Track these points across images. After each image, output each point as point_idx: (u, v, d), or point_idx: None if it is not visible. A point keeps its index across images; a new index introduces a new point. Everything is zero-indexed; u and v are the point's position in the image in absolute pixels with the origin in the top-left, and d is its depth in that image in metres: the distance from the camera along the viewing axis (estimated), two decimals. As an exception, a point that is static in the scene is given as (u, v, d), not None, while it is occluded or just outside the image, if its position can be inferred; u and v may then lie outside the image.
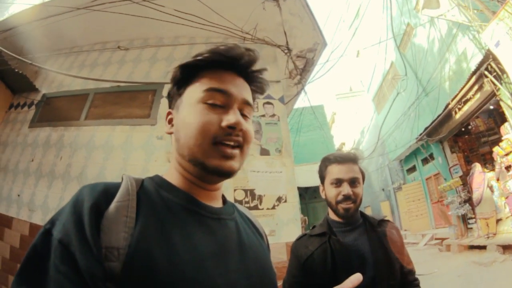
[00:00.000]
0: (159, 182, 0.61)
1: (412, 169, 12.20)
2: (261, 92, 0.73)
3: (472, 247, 7.12)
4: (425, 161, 10.77)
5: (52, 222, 0.48)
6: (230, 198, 2.50)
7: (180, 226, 0.54)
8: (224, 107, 0.61)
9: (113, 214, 0.49)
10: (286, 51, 3.71)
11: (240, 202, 2.72)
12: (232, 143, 0.59)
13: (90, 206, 0.47)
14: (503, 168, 4.95)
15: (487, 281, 4.93)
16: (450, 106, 7.32)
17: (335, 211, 1.26)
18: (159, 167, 2.88)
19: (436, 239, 9.47)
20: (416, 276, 1.31)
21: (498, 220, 6.78)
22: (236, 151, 0.60)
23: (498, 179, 5.85)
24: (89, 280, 0.43)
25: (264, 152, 2.96)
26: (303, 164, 11.83)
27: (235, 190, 2.76)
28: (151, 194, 0.57)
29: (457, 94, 6.91)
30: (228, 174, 0.60)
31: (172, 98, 0.67)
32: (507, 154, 4.75)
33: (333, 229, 1.27)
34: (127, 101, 3.54)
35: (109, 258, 0.45)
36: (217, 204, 0.66)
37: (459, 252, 7.36)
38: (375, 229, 1.27)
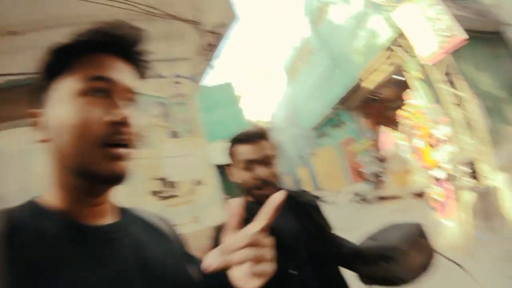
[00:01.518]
0: (33, 209, 0.49)
1: (326, 135, 12.99)
2: (141, 76, 0.60)
3: (387, 198, 8.12)
4: (338, 127, 11.55)
5: None
6: (144, 191, 2.04)
7: (62, 269, 0.43)
8: (107, 99, 0.50)
9: None
10: (196, 26, 3.34)
11: (157, 192, 2.49)
12: (121, 142, 0.50)
13: None
14: (407, 128, 5.50)
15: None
16: (361, 77, 8.04)
17: (254, 198, 1.07)
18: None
19: (355, 194, 10.41)
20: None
21: (407, 173, 7.73)
22: (128, 151, 0.52)
23: (404, 138, 6.48)
24: None
25: (174, 134, 2.71)
26: (218, 141, 11.64)
27: (149, 181, 2.48)
28: (24, 235, 0.43)
29: (368, 67, 7.58)
30: (121, 179, 0.51)
31: (38, 93, 0.53)
32: (409, 117, 5.42)
33: (253, 210, 1.05)
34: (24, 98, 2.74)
35: None
36: (107, 219, 0.55)
37: (377, 203, 8.30)
38: (297, 201, 1.15)
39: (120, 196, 1.78)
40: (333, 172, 12.09)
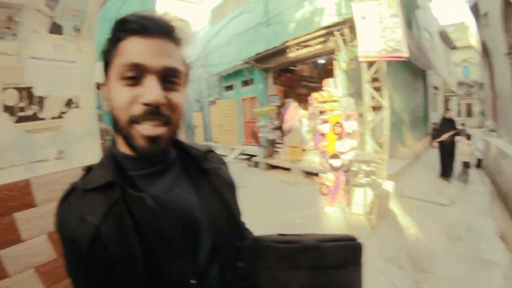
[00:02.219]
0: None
1: (230, 87, 12.67)
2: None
3: (277, 167, 8.47)
4: (245, 83, 11.38)
5: None
6: None
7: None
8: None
9: None
10: None
11: (12, 109, 1.63)
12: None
13: None
14: (317, 111, 5.73)
15: (293, 198, 5.96)
16: (288, 44, 7.91)
17: (130, 140, 0.62)
18: None
19: (245, 154, 10.61)
20: None
21: (303, 150, 8.07)
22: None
23: (309, 118, 6.76)
24: None
25: (56, 29, 1.80)
26: None
27: (4, 89, 1.61)
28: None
29: (300, 37, 7.52)
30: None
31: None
32: (324, 102, 5.60)
33: (128, 172, 0.67)
34: None
35: None
36: None
37: (266, 170, 8.76)
38: (201, 168, 0.76)
39: None
40: (228, 127, 12.01)
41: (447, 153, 6.84)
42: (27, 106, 1.67)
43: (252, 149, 10.35)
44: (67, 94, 1.82)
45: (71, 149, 1.85)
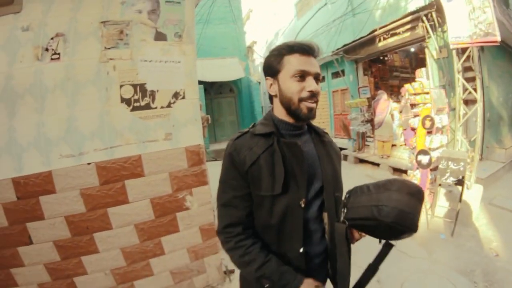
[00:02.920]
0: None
1: (322, 79, 12.50)
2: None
3: (366, 162, 8.19)
4: (335, 75, 11.12)
5: None
6: (114, 97, 1.86)
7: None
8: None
9: None
10: None
11: (129, 100, 2.18)
12: None
13: None
14: (408, 104, 5.33)
15: None
16: (376, 33, 7.38)
17: (295, 110, 1.07)
18: (25, 69, 1.97)
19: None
20: None
21: (393, 145, 7.82)
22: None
23: (401, 111, 6.35)
24: None
25: (160, 36, 2.29)
26: (210, 58, 10.97)
27: (121, 86, 2.16)
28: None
29: (387, 25, 6.96)
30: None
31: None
32: (416, 94, 5.14)
33: (281, 131, 1.11)
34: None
35: None
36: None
37: (355, 164, 8.50)
38: (321, 139, 1.20)
39: (88, 103, 1.79)
40: (320, 119, 11.98)
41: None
42: (141, 98, 2.20)
43: (342, 141, 10.18)
44: (174, 88, 2.31)
45: (177, 132, 2.32)
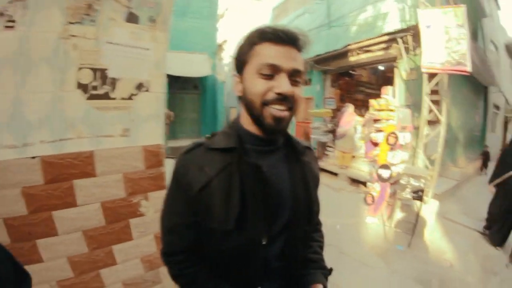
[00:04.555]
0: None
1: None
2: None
3: (325, 171, 8.36)
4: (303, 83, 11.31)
5: None
6: (72, 81, 1.32)
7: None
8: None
9: None
10: None
11: (85, 87, 1.84)
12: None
13: None
14: (372, 119, 5.55)
15: (335, 204, 5.90)
16: (350, 47, 7.83)
17: (257, 118, 0.83)
18: None
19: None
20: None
21: (352, 157, 8.10)
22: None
23: (364, 125, 6.62)
24: None
25: (132, 18, 1.99)
26: (178, 52, 10.66)
27: (80, 69, 1.82)
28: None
29: (362, 41, 7.33)
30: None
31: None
32: (380, 110, 5.34)
33: (246, 145, 0.87)
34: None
35: None
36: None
37: None
38: (298, 157, 0.95)
39: (39, 85, 1.26)
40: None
41: (507, 205, 3.96)
42: (100, 86, 1.88)
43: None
44: (139, 78, 2.02)
45: (136, 128, 2.04)
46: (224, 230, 0.80)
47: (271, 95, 0.78)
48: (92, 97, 1.87)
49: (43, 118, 1.75)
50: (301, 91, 0.84)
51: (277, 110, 0.79)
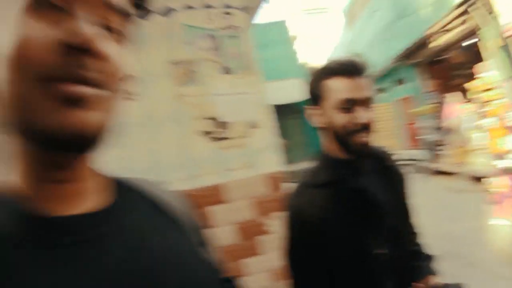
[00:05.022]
0: None
1: (384, 90, 12.12)
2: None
3: (442, 172, 7.55)
4: (398, 83, 10.67)
5: None
6: (194, 132, 1.78)
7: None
8: (66, 15, 0.31)
9: None
10: None
11: (208, 133, 2.34)
12: (82, 78, 0.30)
13: None
14: (479, 102, 4.83)
15: (457, 207, 5.22)
16: (428, 33, 7.14)
17: (347, 146, 0.91)
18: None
19: (408, 160, 9.92)
20: None
21: (468, 151, 7.00)
22: (96, 92, 0.31)
23: (473, 113, 5.85)
24: None
25: (227, 70, 2.46)
26: (271, 81, 11.34)
27: (199, 119, 2.35)
28: None
29: (437, 23, 6.66)
30: (86, 139, 0.31)
31: None
32: (483, 91, 4.54)
33: (342, 172, 0.93)
34: None
35: None
36: (89, 205, 0.37)
37: (430, 175, 7.91)
38: (386, 166, 1.01)
39: (168, 137, 1.52)
40: (387, 132, 11.48)
41: None
42: (218, 130, 2.37)
43: (413, 153, 9.56)
44: (248, 118, 2.46)
45: (256, 159, 2.45)
46: (341, 250, 0.87)
47: (354, 126, 0.86)
48: (214, 140, 2.37)
49: (176, 162, 2.28)
50: (373, 113, 0.91)
51: (362, 138, 0.87)
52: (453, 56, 9.54)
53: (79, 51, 0.30)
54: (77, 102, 0.30)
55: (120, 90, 0.37)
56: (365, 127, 0.87)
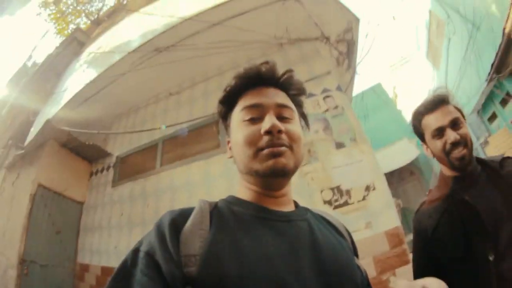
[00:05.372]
0: (231, 200, 0.68)
1: (493, 116, 10.71)
2: (299, 91, 0.77)
3: None
4: (503, 102, 9.28)
5: (140, 242, 0.58)
6: (318, 202, 2.39)
7: (249, 231, 0.59)
8: (261, 118, 0.66)
9: (189, 228, 0.56)
10: (324, 40, 3.61)
11: (329, 201, 2.68)
12: (275, 144, 0.62)
13: (169, 224, 0.56)
14: None
15: None
16: (507, 30, 6.24)
17: (450, 164, 1.08)
18: None
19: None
20: None
21: None
22: (284, 149, 0.63)
23: None
24: (171, 282, 0.49)
25: (339, 145, 2.89)
26: (380, 149, 11.17)
27: (321, 191, 2.72)
28: (223, 210, 0.63)
29: (509, 13, 5.91)
30: (281, 171, 0.62)
31: (226, 128, 0.76)
32: None
33: (453, 187, 1.09)
34: (194, 139, 3.76)
35: (187, 264, 0.51)
36: (288, 208, 0.69)
37: None
38: (500, 173, 1.06)
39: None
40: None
41: None
42: (339, 198, 2.69)
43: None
44: (365, 183, 2.73)
45: (376, 219, 2.63)
46: (455, 255, 1.01)
47: (448, 147, 1.05)
48: (336, 207, 2.69)
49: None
50: (465, 129, 1.08)
51: (457, 153, 1.04)
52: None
53: (270, 132, 0.62)
54: (277, 155, 0.62)
55: (300, 145, 0.69)
56: (457, 144, 1.04)
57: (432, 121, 1.10)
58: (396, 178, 12.02)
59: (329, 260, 0.61)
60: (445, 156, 1.07)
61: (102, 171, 4.71)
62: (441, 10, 9.24)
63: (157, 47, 3.63)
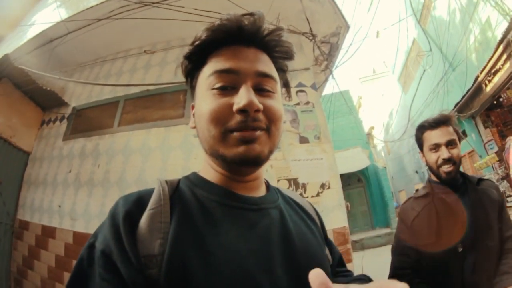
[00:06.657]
0: (195, 181, 0.59)
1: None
2: (288, 55, 0.63)
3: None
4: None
5: (95, 235, 0.49)
6: None
7: (216, 225, 0.51)
8: (235, 88, 0.53)
9: (146, 222, 0.48)
10: (310, 37, 3.58)
11: None
12: (249, 127, 0.51)
13: (123, 218, 0.48)
14: None
15: None
16: (479, 79, 6.80)
17: (437, 175, 1.30)
18: (199, 164, 3.03)
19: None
20: None
21: None
22: (260, 133, 0.52)
23: None
24: (132, 287, 0.43)
25: (303, 140, 2.95)
26: (337, 151, 11.56)
27: (278, 180, 2.76)
28: (185, 196, 0.55)
29: (485, 66, 6.37)
30: (254, 161, 0.52)
31: (191, 90, 0.63)
32: None
33: (436, 190, 1.32)
34: (158, 104, 3.59)
35: (148, 266, 0.45)
36: (258, 193, 0.61)
37: None
38: (475, 188, 1.30)
39: None
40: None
41: None
42: (295, 190, 2.70)
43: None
44: (321, 180, 2.82)
45: (326, 216, 2.67)
46: (428, 243, 1.22)
47: (440, 161, 1.26)
48: None
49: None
50: (457, 150, 1.29)
51: (446, 168, 1.25)
52: (508, 95, 8.88)
53: (245, 111, 0.50)
54: (250, 141, 0.51)
55: (280, 127, 0.58)
56: (447, 161, 1.25)
57: (432, 137, 1.30)
58: (344, 182, 12.52)
59: (300, 252, 0.56)
60: (436, 168, 1.28)
61: (54, 121, 4.33)
62: (425, 42, 9.71)
63: (142, 0, 3.38)
